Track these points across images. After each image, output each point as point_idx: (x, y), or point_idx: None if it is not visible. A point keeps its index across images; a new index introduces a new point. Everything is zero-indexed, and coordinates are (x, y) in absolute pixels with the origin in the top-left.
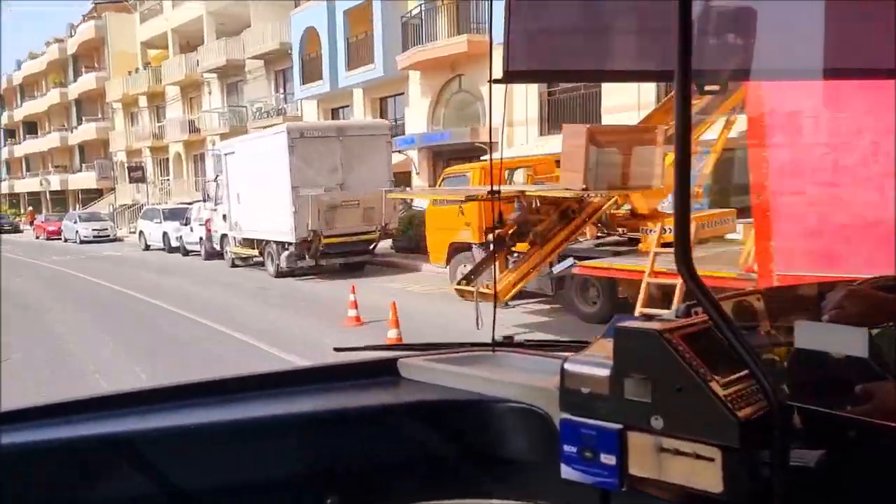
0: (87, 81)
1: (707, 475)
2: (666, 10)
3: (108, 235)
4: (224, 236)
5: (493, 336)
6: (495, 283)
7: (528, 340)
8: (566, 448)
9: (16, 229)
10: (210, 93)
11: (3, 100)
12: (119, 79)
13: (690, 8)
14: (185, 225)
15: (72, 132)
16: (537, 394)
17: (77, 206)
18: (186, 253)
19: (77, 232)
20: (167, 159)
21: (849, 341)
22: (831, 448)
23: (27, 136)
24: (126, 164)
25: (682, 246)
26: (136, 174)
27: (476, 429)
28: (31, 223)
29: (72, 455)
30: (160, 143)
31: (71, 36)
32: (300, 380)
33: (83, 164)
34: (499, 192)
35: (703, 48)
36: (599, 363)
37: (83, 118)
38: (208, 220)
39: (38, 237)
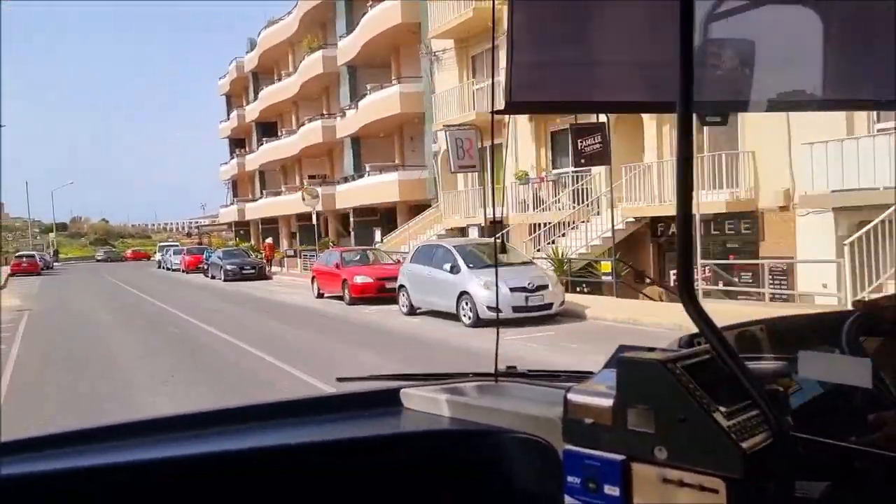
0: (380, 18)
1: None
2: (668, 42)
3: (550, 305)
4: None
5: (496, 366)
6: (497, 310)
7: (531, 370)
8: (570, 479)
9: (260, 274)
10: None
11: (228, 99)
12: None
13: (692, 40)
14: None
15: (342, 117)
16: (540, 424)
17: (349, 233)
18: None
19: (469, 298)
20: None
21: (852, 371)
22: (836, 479)
23: (263, 138)
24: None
25: (684, 276)
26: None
27: (479, 460)
28: (269, 262)
29: (68, 486)
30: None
31: None
32: (301, 411)
33: (360, 167)
34: (501, 220)
35: (705, 80)
36: (603, 393)
37: (367, 87)
38: None
39: (321, 294)
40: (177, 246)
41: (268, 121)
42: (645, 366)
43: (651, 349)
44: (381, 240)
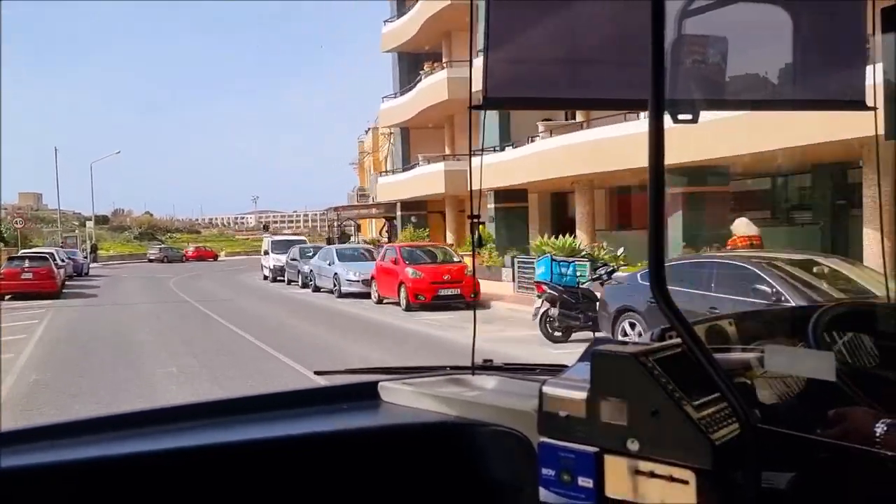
0: None
1: (681, 497)
2: (642, 41)
3: None
4: None
5: (473, 359)
6: (475, 305)
7: (508, 363)
8: (544, 471)
9: None
10: None
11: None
12: None
13: (663, 40)
14: None
15: None
16: (516, 417)
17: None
18: None
19: None
20: None
21: (816, 365)
22: (802, 470)
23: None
24: None
25: (656, 271)
26: None
27: (456, 452)
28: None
29: (53, 480)
30: None
31: None
32: (279, 404)
33: None
34: (478, 216)
35: (677, 78)
36: (577, 386)
37: None
38: None
39: None
40: (316, 245)
41: None
42: (618, 359)
43: (624, 343)
44: None
